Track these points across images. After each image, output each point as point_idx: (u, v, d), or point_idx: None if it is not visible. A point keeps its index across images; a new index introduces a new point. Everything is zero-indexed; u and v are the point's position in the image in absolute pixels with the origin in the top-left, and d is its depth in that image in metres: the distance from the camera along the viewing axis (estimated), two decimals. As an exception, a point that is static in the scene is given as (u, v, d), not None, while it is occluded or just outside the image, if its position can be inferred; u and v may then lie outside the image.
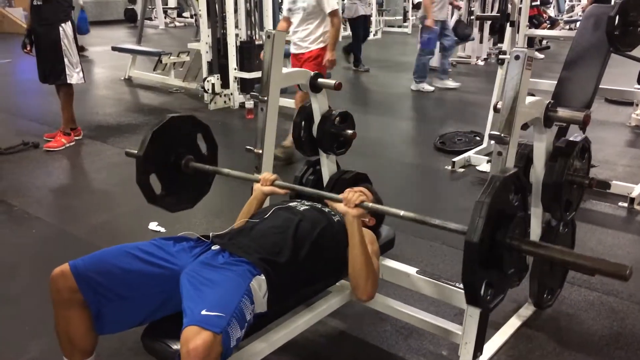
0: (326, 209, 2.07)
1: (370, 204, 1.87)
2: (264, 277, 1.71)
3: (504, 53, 4.58)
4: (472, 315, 1.92)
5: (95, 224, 3.39)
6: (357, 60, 9.21)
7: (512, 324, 2.37)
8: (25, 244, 3.16)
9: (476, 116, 5.81)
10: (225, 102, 6.40)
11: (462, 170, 4.42)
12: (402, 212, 1.78)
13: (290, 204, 2.05)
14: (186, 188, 2.34)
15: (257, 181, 2.14)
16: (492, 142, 1.95)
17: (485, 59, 9.81)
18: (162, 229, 3.28)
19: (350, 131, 2.58)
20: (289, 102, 5.35)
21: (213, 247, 1.83)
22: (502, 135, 1.88)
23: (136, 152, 2.15)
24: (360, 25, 9.00)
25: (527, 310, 2.46)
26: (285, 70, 2.44)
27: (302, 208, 2.01)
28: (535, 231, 2.31)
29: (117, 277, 1.70)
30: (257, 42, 6.36)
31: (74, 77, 4.65)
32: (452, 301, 2.11)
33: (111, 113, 6.19)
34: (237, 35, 6.28)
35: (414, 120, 6.14)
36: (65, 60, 4.57)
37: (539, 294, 2.39)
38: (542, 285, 2.39)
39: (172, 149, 2.25)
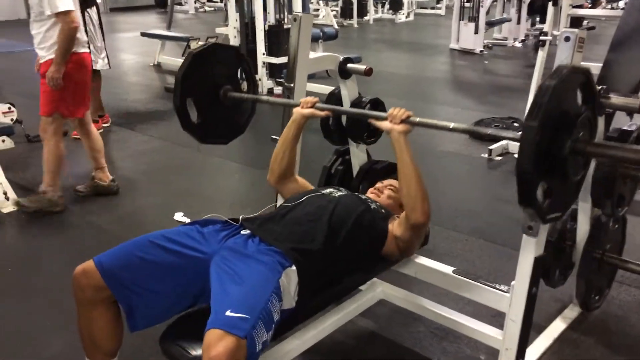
0: (363, 196, 1.95)
1: (418, 119, 1.76)
2: (294, 268, 1.61)
3: (545, 34, 4.35)
4: (515, 319, 1.78)
5: (120, 214, 3.34)
6: None
7: (557, 327, 2.21)
8: (50, 234, 3.13)
9: (514, 101, 5.57)
10: (253, 87, 6.29)
11: (499, 158, 4.24)
12: (451, 125, 1.68)
13: (325, 191, 1.94)
14: (222, 121, 2.26)
15: (297, 105, 2.06)
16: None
17: (522, 41, 9.48)
18: (188, 220, 3.20)
19: (381, 119, 2.43)
20: (317, 88, 5.21)
21: (242, 232, 1.73)
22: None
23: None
24: None
25: (572, 312, 2.30)
26: (312, 55, 2.31)
27: (337, 194, 1.90)
28: (583, 228, 2.14)
29: (144, 270, 1.62)
30: (285, 26, 6.22)
31: (99, 63, 4.61)
32: (491, 303, 1.96)
33: (139, 99, 6.16)
34: (265, 19, 6.15)
35: (447, 106, 5.92)
36: (90, 46, 4.51)
37: (586, 295, 2.22)
38: (590, 285, 2.22)
39: (212, 77, 2.17)
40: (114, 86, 6.47)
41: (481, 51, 8.83)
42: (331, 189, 1.96)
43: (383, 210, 1.91)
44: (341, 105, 2.44)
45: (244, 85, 2.36)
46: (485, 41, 9.15)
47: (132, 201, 3.55)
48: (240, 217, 1.79)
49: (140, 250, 1.64)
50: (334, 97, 2.46)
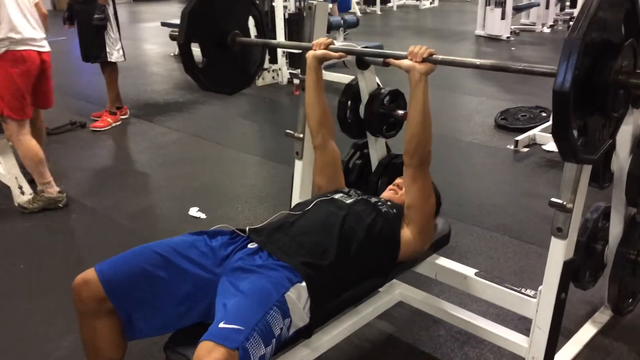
0: (373, 200, 1.84)
1: (441, 57, 1.66)
2: (304, 284, 1.51)
3: (576, 19, 4.16)
4: (542, 326, 1.68)
5: (135, 209, 3.29)
6: None
7: (587, 332, 2.09)
8: (64, 230, 3.10)
9: (542, 90, 5.37)
10: (273, 77, 6.21)
11: (526, 149, 4.07)
12: (478, 61, 1.59)
13: (335, 196, 1.83)
14: (228, 68, 2.17)
15: (310, 48, 1.96)
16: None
17: (551, 26, 9.17)
18: (203, 215, 3.13)
19: (401, 112, 2.32)
20: (337, 77, 5.10)
21: (250, 245, 1.63)
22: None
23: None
24: None
25: (603, 316, 2.17)
26: (328, 44, 2.20)
27: (348, 201, 1.80)
28: (616, 227, 2.00)
29: (148, 285, 1.53)
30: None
31: (114, 55, 4.55)
32: (516, 309, 1.84)
33: (159, 90, 6.12)
34: (285, 7, 6.03)
35: (472, 95, 5.75)
36: (106, 37, 4.47)
37: (618, 298, 2.09)
38: (623, 287, 2.09)
39: (221, 20, 2.08)
40: (134, 76, 6.43)
41: (508, 37, 8.57)
42: (342, 194, 1.86)
43: (395, 210, 1.80)
44: (359, 98, 2.33)
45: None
46: (513, 27, 8.87)
47: (148, 195, 3.50)
48: (247, 228, 1.70)
49: (145, 262, 1.55)
50: (352, 89, 2.35)
